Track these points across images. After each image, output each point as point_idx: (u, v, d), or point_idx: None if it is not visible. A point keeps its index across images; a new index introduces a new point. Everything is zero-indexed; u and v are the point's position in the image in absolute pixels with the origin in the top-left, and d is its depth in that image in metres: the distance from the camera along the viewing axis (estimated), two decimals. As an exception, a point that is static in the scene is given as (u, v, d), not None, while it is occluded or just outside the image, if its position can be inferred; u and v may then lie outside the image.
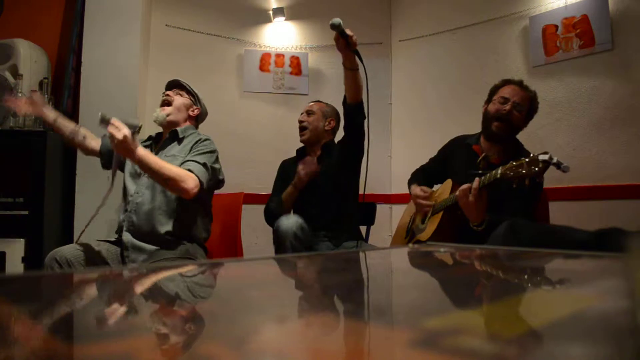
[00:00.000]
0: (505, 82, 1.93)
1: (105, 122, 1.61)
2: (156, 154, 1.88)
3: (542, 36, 2.82)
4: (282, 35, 3.40)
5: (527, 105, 1.85)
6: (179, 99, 1.97)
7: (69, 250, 1.69)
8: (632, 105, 2.52)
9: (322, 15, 3.45)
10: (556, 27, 2.77)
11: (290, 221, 1.86)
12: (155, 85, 3.06)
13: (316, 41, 3.43)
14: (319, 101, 2.31)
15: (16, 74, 2.47)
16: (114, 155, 1.78)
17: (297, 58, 3.39)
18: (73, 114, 2.68)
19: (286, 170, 2.28)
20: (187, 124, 1.99)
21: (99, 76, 2.58)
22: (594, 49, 2.63)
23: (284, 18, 3.35)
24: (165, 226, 1.79)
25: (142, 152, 1.64)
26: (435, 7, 3.36)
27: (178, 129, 1.94)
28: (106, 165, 1.96)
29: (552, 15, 2.79)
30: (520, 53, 2.93)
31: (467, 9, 3.16)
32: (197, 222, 1.89)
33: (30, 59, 2.55)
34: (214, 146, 1.91)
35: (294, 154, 2.35)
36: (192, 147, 1.87)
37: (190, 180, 1.72)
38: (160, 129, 2.03)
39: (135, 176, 1.89)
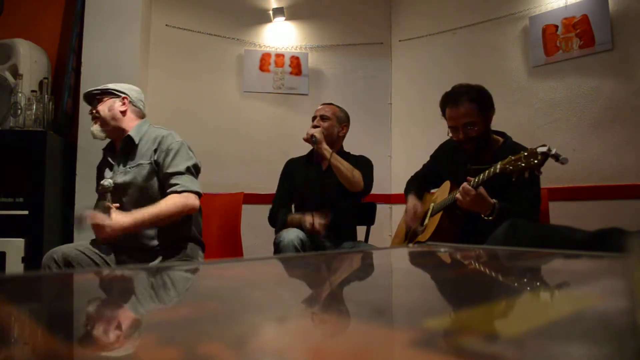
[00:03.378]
0: (443, 104, 1.86)
1: (82, 222, 1.62)
2: (118, 166, 1.81)
3: (542, 36, 2.82)
4: (282, 35, 3.40)
5: (476, 112, 1.77)
6: (102, 106, 1.82)
7: (67, 250, 1.68)
8: (633, 105, 2.52)
9: (322, 15, 3.45)
10: (556, 27, 2.77)
11: (291, 236, 1.88)
12: (155, 85, 3.06)
13: (316, 41, 3.43)
14: (331, 104, 2.28)
15: (16, 74, 2.47)
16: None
17: (297, 58, 3.39)
18: (73, 114, 2.68)
19: (292, 170, 2.27)
20: (134, 122, 1.84)
21: (99, 76, 2.57)
22: (594, 49, 2.63)
23: (284, 18, 3.35)
24: (154, 239, 1.75)
25: (132, 219, 1.62)
26: (435, 7, 3.36)
27: (130, 133, 1.80)
28: None
29: (552, 15, 2.79)
30: (520, 53, 2.93)
31: (467, 9, 3.17)
32: (187, 221, 1.83)
33: (30, 59, 2.55)
34: (178, 138, 1.80)
35: (294, 154, 2.35)
36: (156, 150, 1.77)
37: (189, 200, 1.70)
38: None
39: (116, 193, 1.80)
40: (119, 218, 1.60)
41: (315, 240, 2.04)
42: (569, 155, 2.61)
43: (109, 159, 1.86)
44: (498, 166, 1.57)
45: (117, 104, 1.83)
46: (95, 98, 1.85)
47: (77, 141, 2.56)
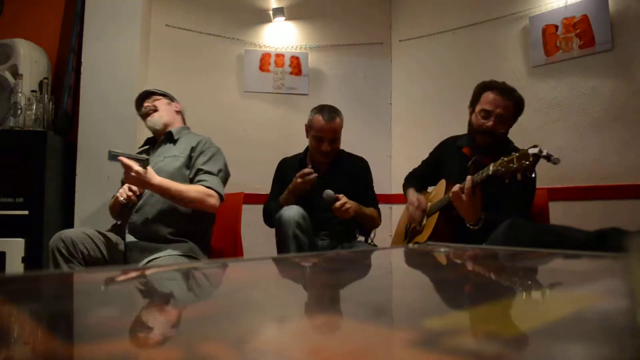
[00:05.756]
0: (486, 87, 1.82)
1: (114, 158, 1.66)
2: (154, 154, 1.94)
3: (542, 36, 2.82)
4: (282, 35, 3.40)
5: (512, 114, 1.78)
6: (160, 103, 2.01)
7: (74, 233, 1.72)
8: (633, 106, 2.52)
9: (322, 15, 3.45)
10: (556, 27, 2.77)
11: (292, 211, 1.86)
12: (155, 85, 3.06)
13: (316, 41, 3.43)
14: (335, 115, 2.08)
15: (16, 74, 2.47)
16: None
17: (297, 58, 3.39)
18: (73, 114, 2.68)
19: (285, 170, 2.25)
20: (179, 124, 2.05)
21: (99, 76, 2.58)
22: (594, 49, 2.63)
23: (284, 18, 3.35)
24: (169, 227, 1.80)
25: (159, 180, 1.70)
26: (435, 7, 3.36)
27: (172, 130, 1.98)
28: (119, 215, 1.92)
29: (552, 15, 2.79)
30: (520, 53, 2.93)
31: (467, 9, 3.17)
32: (200, 222, 1.89)
33: (30, 59, 2.55)
34: (216, 144, 1.96)
35: (294, 154, 2.34)
36: (193, 149, 1.90)
37: (211, 199, 1.79)
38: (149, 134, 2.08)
39: None
40: (152, 174, 1.68)
41: (314, 231, 2.01)
42: (569, 155, 2.64)
43: (149, 149, 2.02)
44: (490, 168, 1.56)
45: (172, 104, 2.06)
46: (150, 96, 2.04)
47: (77, 141, 2.55)
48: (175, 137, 1.96)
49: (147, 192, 1.82)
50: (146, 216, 1.80)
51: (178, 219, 1.81)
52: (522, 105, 1.82)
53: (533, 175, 1.50)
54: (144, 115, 2.01)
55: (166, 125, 1.99)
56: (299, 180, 1.99)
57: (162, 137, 1.99)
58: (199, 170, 1.85)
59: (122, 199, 1.79)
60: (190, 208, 1.80)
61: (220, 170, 1.88)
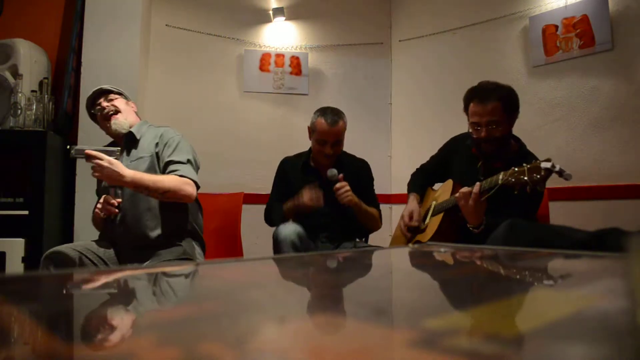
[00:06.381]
0: (469, 98, 1.79)
1: (79, 155, 1.59)
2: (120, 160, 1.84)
3: (542, 36, 2.82)
4: (282, 35, 3.40)
5: (501, 113, 1.72)
6: (120, 102, 1.89)
7: (64, 250, 1.69)
8: (633, 105, 2.52)
9: (322, 15, 3.45)
10: (556, 27, 2.77)
11: (288, 230, 1.86)
12: (155, 85, 3.07)
13: (316, 41, 3.43)
14: (338, 118, 2.06)
15: (16, 74, 2.47)
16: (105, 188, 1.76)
17: (297, 58, 3.39)
18: (73, 114, 2.68)
19: (289, 173, 2.23)
20: (137, 121, 1.93)
21: (99, 76, 2.57)
22: (594, 49, 2.63)
23: (284, 18, 3.35)
24: (156, 230, 1.76)
25: (132, 172, 1.63)
26: (435, 7, 3.36)
27: (132, 130, 1.86)
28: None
29: (552, 15, 2.79)
30: (520, 53, 2.93)
31: (467, 9, 3.17)
32: (187, 216, 1.85)
33: (30, 59, 2.55)
34: (179, 133, 1.88)
35: (295, 153, 2.34)
36: (157, 144, 1.82)
37: (188, 187, 1.72)
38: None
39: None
40: (122, 168, 1.62)
41: (314, 233, 2.03)
42: (569, 155, 2.63)
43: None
44: (500, 177, 1.55)
45: (130, 104, 1.94)
46: (105, 95, 1.89)
47: (77, 141, 2.55)
48: (138, 137, 1.84)
49: (124, 200, 1.76)
50: (129, 224, 1.75)
51: (162, 220, 1.77)
52: (511, 97, 1.76)
53: (541, 190, 1.49)
54: (104, 117, 1.85)
55: (130, 128, 1.87)
56: (307, 203, 1.98)
57: (123, 140, 1.87)
58: (168, 163, 1.76)
59: (102, 214, 1.75)
60: (168, 200, 1.73)
61: (188, 159, 1.79)
